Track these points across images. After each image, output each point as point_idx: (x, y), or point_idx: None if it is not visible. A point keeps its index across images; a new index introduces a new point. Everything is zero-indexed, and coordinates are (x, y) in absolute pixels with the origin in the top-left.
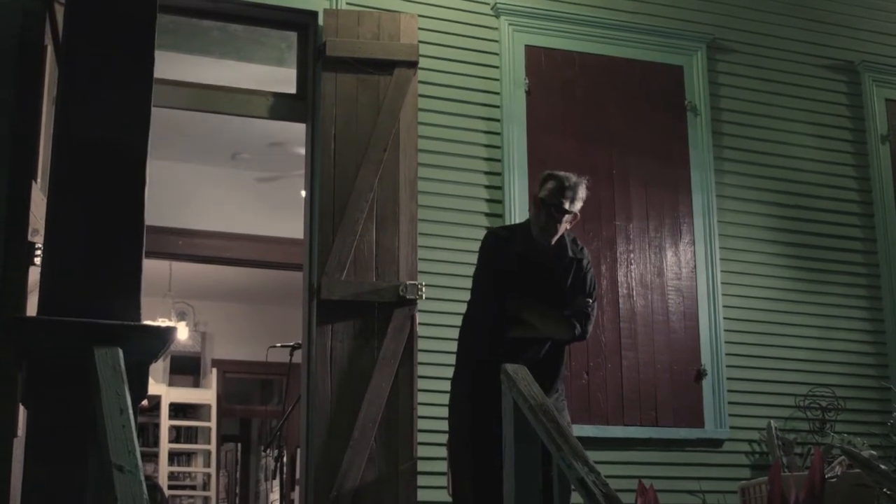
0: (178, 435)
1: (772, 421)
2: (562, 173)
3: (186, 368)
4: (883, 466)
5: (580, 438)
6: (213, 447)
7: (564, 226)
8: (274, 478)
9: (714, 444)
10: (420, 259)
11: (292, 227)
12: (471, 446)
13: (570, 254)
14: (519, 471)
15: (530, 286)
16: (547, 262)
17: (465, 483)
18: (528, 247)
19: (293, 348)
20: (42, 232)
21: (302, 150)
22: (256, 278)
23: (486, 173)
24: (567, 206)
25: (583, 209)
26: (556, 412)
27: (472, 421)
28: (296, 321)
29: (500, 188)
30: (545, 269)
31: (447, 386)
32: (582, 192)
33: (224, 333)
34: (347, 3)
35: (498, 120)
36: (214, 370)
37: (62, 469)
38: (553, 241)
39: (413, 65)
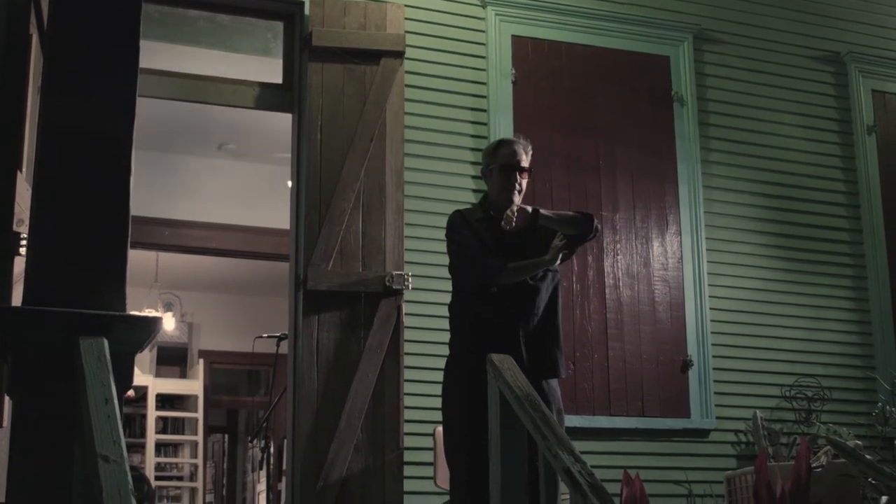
0: (164, 426)
1: (758, 411)
2: (508, 137)
3: (173, 359)
4: (868, 456)
5: (566, 428)
6: (199, 438)
7: (524, 182)
8: (261, 468)
9: (700, 434)
10: (406, 249)
11: (279, 217)
12: (467, 431)
13: (529, 211)
14: (505, 461)
15: (496, 245)
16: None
17: (460, 469)
18: (490, 213)
19: (280, 339)
20: (27, 222)
21: (288, 140)
22: (243, 269)
23: (473, 163)
24: (525, 163)
25: (569, 199)
26: (541, 402)
27: (469, 405)
28: (282, 312)
29: None
30: (511, 233)
31: (434, 376)
32: (530, 148)
33: (211, 324)
34: None
35: (484, 110)
36: (201, 361)
37: (47, 459)
38: (517, 201)
39: (399, 55)
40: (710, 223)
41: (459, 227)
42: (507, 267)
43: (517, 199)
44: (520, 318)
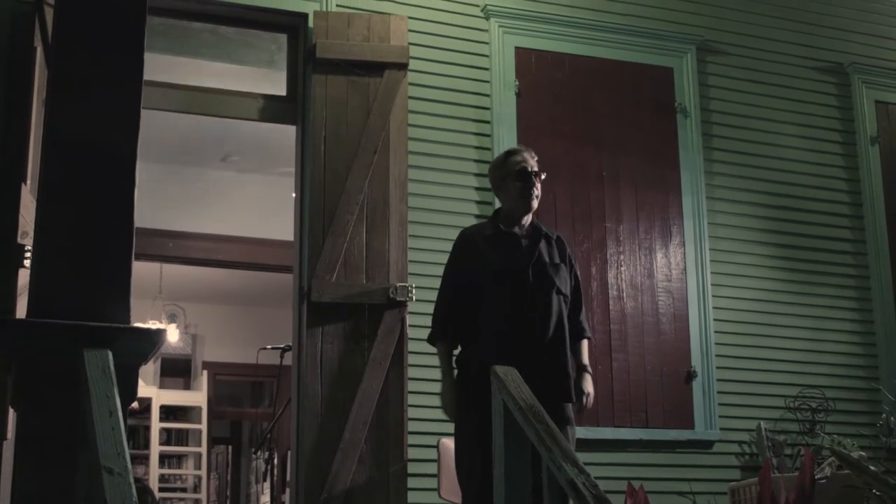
0: (168, 437)
1: (762, 422)
2: (514, 147)
3: (177, 370)
4: (872, 467)
5: None
6: (203, 449)
7: (539, 186)
8: (265, 480)
9: (704, 445)
10: (410, 261)
11: (283, 229)
12: (479, 447)
13: (545, 230)
14: (509, 473)
15: (508, 258)
16: (521, 236)
17: (472, 485)
18: (501, 226)
19: (283, 350)
20: (32, 234)
21: (292, 152)
22: (247, 280)
23: (477, 175)
24: (536, 167)
25: (572, 210)
26: (545, 413)
27: (480, 425)
28: (286, 323)
29: (490, 190)
30: (520, 242)
31: (437, 388)
32: (535, 156)
33: (215, 335)
34: (337, 6)
35: (488, 122)
36: (205, 372)
37: (52, 471)
38: (534, 206)
39: (403, 67)
40: (714, 234)
41: (455, 260)
42: (440, 345)
43: (535, 203)
44: (531, 334)
